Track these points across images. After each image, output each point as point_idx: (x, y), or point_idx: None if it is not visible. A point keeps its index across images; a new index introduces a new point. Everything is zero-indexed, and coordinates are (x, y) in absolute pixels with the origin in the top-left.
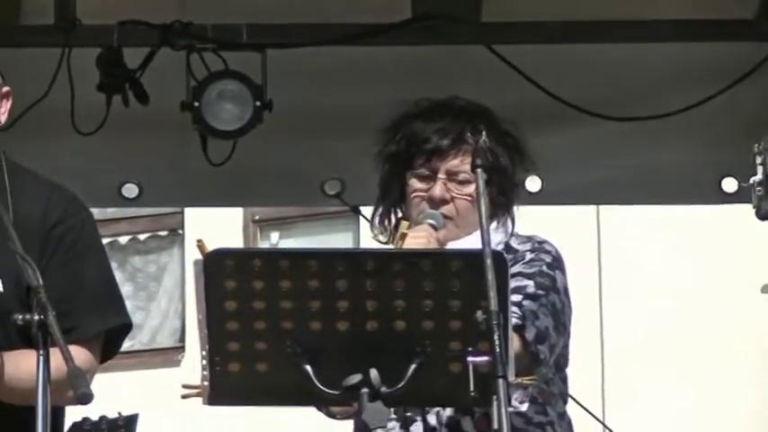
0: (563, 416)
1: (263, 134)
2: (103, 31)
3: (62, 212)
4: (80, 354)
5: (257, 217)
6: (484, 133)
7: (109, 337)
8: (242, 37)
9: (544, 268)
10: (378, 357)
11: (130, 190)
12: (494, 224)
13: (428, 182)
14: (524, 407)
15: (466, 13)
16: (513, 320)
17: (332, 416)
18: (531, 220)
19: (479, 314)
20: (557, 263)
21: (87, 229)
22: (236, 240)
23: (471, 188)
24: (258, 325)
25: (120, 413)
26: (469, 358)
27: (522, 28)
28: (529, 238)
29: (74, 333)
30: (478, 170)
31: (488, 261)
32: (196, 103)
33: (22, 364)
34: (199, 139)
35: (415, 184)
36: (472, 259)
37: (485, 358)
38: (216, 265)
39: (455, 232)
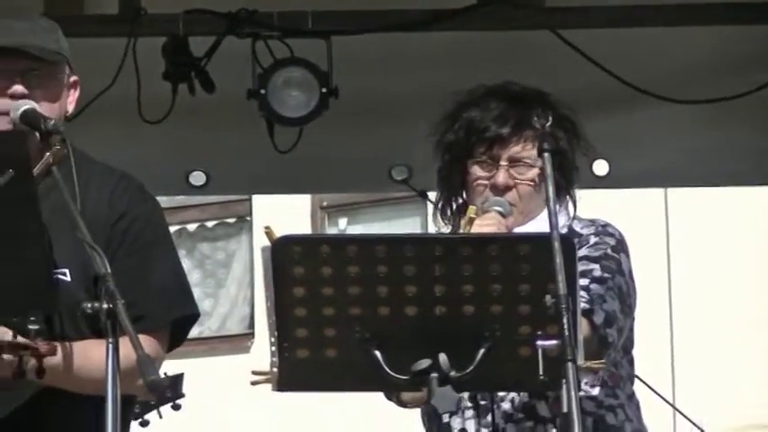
0: (631, 397)
1: (330, 121)
2: (169, 20)
3: (128, 203)
4: (147, 343)
5: (325, 203)
6: (550, 117)
7: (176, 327)
8: (307, 24)
9: (609, 251)
10: (446, 342)
11: (198, 178)
12: (557, 207)
13: (490, 169)
14: (595, 390)
15: None
16: (582, 305)
17: (402, 405)
18: (598, 203)
19: (548, 298)
20: (621, 245)
21: (154, 219)
22: (303, 227)
23: (533, 173)
24: (326, 311)
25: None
26: (538, 342)
27: (587, 12)
28: (592, 222)
29: (140, 323)
30: (546, 154)
31: (556, 245)
32: (262, 91)
33: (92, 353)
34: (265, 126)
35: (477, 171)
36: (540, 243)
37: (554, 342)
38: (284, 251)
39: (519, 218)
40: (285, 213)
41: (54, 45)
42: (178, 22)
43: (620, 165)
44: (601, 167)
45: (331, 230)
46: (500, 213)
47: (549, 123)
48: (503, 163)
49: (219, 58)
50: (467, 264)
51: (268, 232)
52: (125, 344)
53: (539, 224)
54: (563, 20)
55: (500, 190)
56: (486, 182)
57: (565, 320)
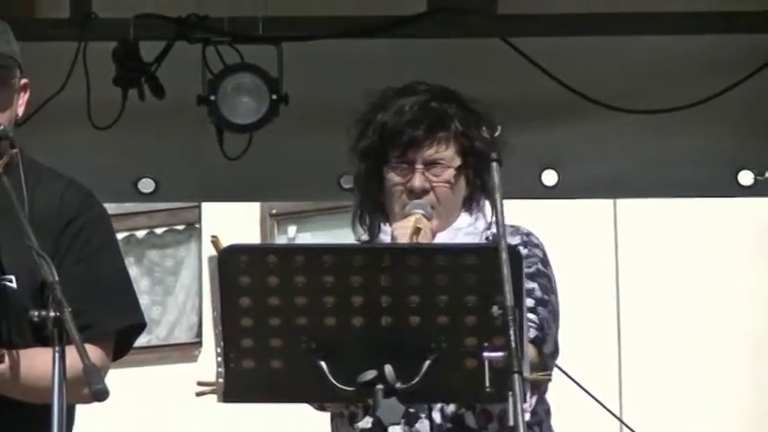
0: (548, 412)
1: (280, 128)
2: (119, 25)
3: (77, 209)
4: (93, 352)
5: (274, 211)
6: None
7: (122, 336)
8: (258, 30)
9: (540, 266)
10: (392, 353)
11: (147, 185)
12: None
13: (406, 173)
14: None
15: (482, 6)
16: (532, 331)
17: (321, 408)
18: (547, 213)
19: (495, 309)
20: (546, 256)
21: (102, 226)
22: (253, 234)
23: (449, 174)
24: (273, 321)
25: None
26: (485, 354)
27: (539, 20)
28: (515, 229)
29: (87, 331)
30: (494, 164)
31: (504, 255)
32: (212, 97)
33: (38, 361)
34: (215, 132)
35: (393, 177)
36: (487, 254)
37: (500, 354)
38: (230, 261)
39: (439, 222)
40: (234, 221)
41: (5, 48)
42: (128, 27)
43: (569, 174)
44: (550, 177)
45: (280, 238)
46: (423, 216)
47: (462, 126)
48: (418, 166)
49: (170, 63)
50: (414, 274)
51: (215, 241)
52: (71, 352)
53: (456, 230)
54: (514, 28)
55: (417, 194)
56: (402, 186)
57: (511, 332)
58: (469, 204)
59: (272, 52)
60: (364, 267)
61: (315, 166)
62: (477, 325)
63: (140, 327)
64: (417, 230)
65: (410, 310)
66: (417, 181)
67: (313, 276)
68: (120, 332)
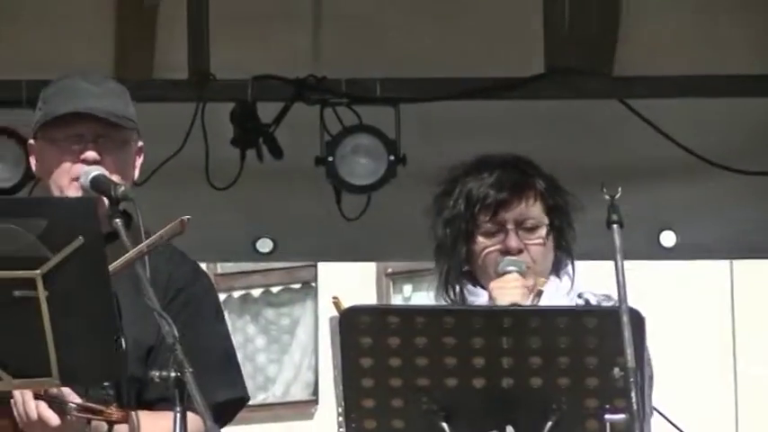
0: None
1: (397, 188)
2: (237, 86)
3: (185, 280)
4: (193, 422)
5: (390, 270)
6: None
7: (223, 409)
8: (376, 91)
9: None
10: (513, 414)
11: (265, 244)
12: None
13: (497, 236)
14: None
15: (598, 68)
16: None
17: None
18: (664, 274)
19: (616, 371)
20: None
21: (209, 297)
22: (369, 293)
23: (541, 233)
24: (394, 382)
25: None
26: (606, 416)
27: (655, 82)
28: (607, 297)
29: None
30: (615, 226)
31: (625, 318)
32: (330, 158)
33: (159, 423)
34: (333, 193)
35: (485, 241)
36: (608, 316)
37: (621, 416)
38: (352, 322)
39: (533, 280)
40: (350, 279)
41: (124, 111)
42: (247, 88)
43: (687, 235)
44: (668, 238)
45: (396, 297)
46: (518, 273)
47: (545, 185)
48: (509, 227)
49: (288, 124)
50: (535, 336)
51: (336, 302)
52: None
53: (555, 286)
54: (630, 89)
55: (513, 254)
56: (495, 249)
57: (633, 394)
58: (558, 267)
59: (390, 113)
60: (485, 329)
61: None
62: (599, 387)
63: (242, 401)
64: (539, 293)
65: (531, 372)
66: (513, 241)
67: (434, 337)
68: (222, 405)
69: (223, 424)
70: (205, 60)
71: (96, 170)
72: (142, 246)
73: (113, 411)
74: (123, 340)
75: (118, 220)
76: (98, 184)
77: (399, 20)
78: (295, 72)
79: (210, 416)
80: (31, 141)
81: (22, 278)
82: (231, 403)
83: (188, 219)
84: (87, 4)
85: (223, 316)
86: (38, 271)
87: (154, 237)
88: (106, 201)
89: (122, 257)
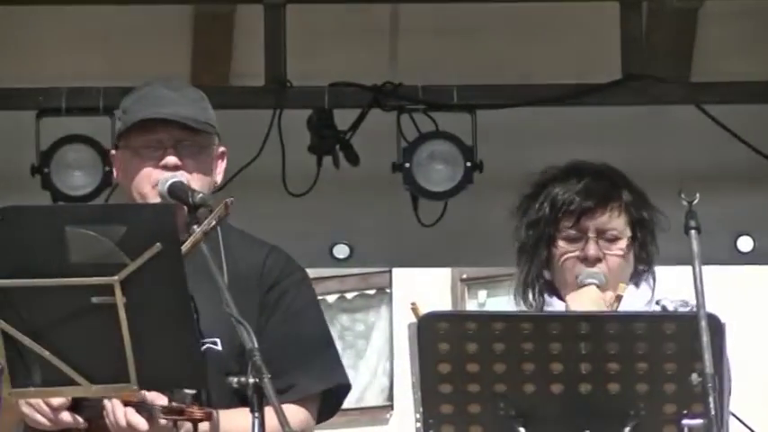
0: None
1: (474, 195)
2: (314, 93)
3: (278, 273)
4: (297, 413)
5: (465, 276)
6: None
7: (327, 397)
8: (452, 98)
9: None
10: (591, 420)
11: (341, 250)
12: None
13: (577, 242)
14: None
15: (675, 74)
16: None
17: None
18: (742, 279)
19: (694, 377)
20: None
21: (303, 289)
22: (444, 298)
23: (622, 244)
24: (472, 388)
25: None
26: (684, 421)
27: (732, 87)
28: (685, 303)
29: (291, 393)
30: (693, 232)
31: (703, 323)
32: (407, 164)
33: (239, 423)
34: (410, 199)
35: (565, 246)
36: (687, 321)
37: (700, 421)
38: (429, 328)
39: (610, 292)
40: (425, 285)
41: (204, 115)
42: (323, 95)
43: (764, 240)
44: (745, 243)
45: (471, 302)
46: (596, 286)
47: (695, 200)
48: (590, 235)
49: (364, 130)
50: (613, 342)
51: (414, 308)
52: (272, 416)
53: (632, 296)
54: (707, 95)
55: (591, 262)
56: (574, 255)
57: (711, 399)
58: (637, 278)
59: (467, 120)
60: (563, 335)
61: (508, 232)
62: (677, 392)
63: (346, 387)
64: (618, 298)
65: (609, 378)
66: (592, 249)
67: (512, 343)
68: (327, 393)
69: (330, 413)
70: (282, 67)
71: (174, 177)
72: (196, 234)
73: (195, 410)
74: (217, 343)
75: (195, 226)
76: (175, 191)
77: (476, 27)
78: (372, 79)
79: (315, 407)
80: (113, 152)
81: (100, 284)
82: (336, 390)
83: (231, 201)
84: (165, 13)
85: (319, 306)
86: (116, 277)
87: (203, 225)
88: (185, 207)
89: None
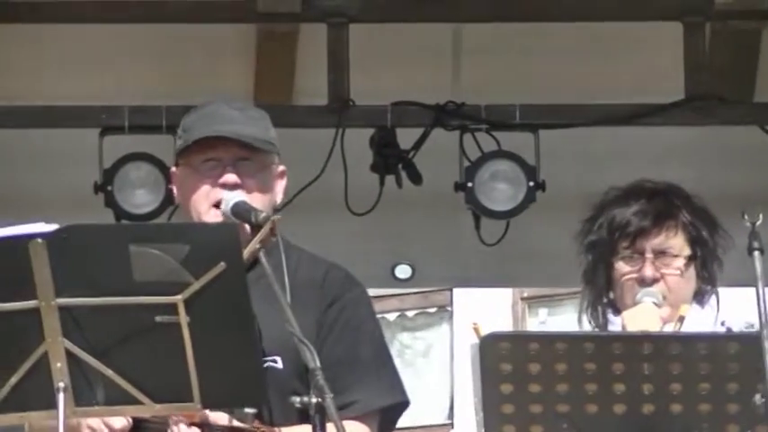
0: None
1: (536, 214)
2: (377, 112)
3: (338, 290)
4: (357, 429)
5: (525, 294)
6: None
7: (385, 414)
8: (515, 117)
9: None
10: None
11: (404, 271)
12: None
13: (635, 263)
14: None
15: (738, 94)
16: None
17: None
18: None
19: (758, 398)
20: None
21: (363, 305)
22: (505, 317)
23: (679, 263)
24: (534, 408)
25: None
26: None
27: None
28: (750, 325)
29: (351, 409)
30: (756, 252)
31: (766, 344)
32: (469, 184)
33: None
34: (472, 219)
35: (622, 267)
36: (750, 341)
37: None
38: (491, 348)
39: (669, 310)
40: (486, 303)
41: (264, 134)
42: (386, 114)
43: None
44: None
45: (531, 321)
46: (654, 304)
47: (758, 222)
48: (647, 255)
49: (427, 150)
50: (675, 362)
51: (476, 328)
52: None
53: (696, 319)
54: None
55: (648, 283)
56: (633, 276)
57: None
58: (700, 297)
59: (530, 139)
60: (625, 355)
61: (570, 252)
62: (740, 413)
63: (405, 404)
64: (681, 319)
65: (672, 398)
66: (648, 270)
67: (574, 364)
68: (385, 410)
69: (389, 429)
70: (345, 86)
71: (237, 197)
72: (245, 253)
73: (259, 427)
74: (278, 361)
75: (258, 246)
76: (238, 211)
77: (539, 46)
78: (434, 98)
79: (374, 423)
80: (173, 169)
81: (163, 303)
82: (394, 408)
83: (278, 218)
84: (228, 32)
85: (378, 323)
86: (179, 296)
87: (251, 245)
88: (247, 226)
89: None
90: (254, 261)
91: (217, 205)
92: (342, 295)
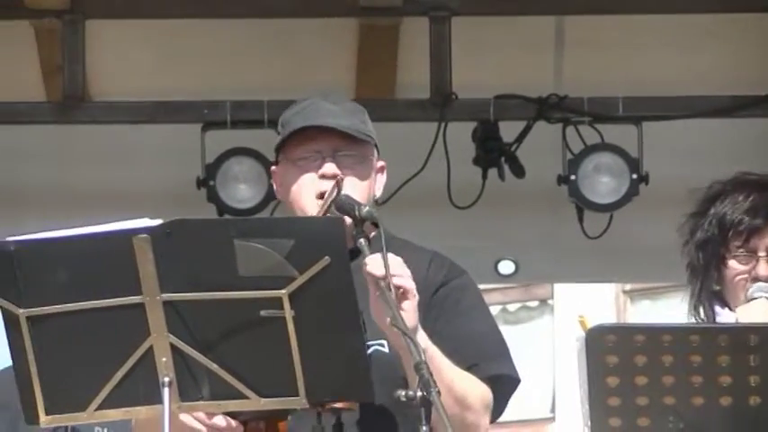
0: None
1: (639, 207)
2: (479, 105)
3: (444, 276)
4: (481, 385)
5: (628, 287)
6: None
7: (500, 388)
8: (618, 110)
9: None
10: None
11: (507, 266)
12: None
13: (748, 262)
14: None
15: None
16: None
17: None
18: None
19: None
20: None
21: (470, 290)
22: (607, 310)
23: None
24: (640, 401)
25: None
26: None
27: None
28: None
29: (472, 370)
30: None
31: None
32: (572, 177)
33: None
34: (575, 212)
35: (735, 266)
36: None
37: None
38: (598, 340)
39: None
40: (587, 296)
41: (362, 127)
42: (489, 107)
43: None
44: None
45: (633, 314)
46: (766, 299)
47: None
48: (761, 254)
49: (529, 143)
50: None
51: (582, 321)
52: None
53: None
54: None
55: (762, 281)
56: (746, 275)
57: None
58: None
59: (632, 132)
60: (731, 347)
61: (673, 245)
62: None
63: (516, 381)
64: None
65: None
66: (763, 269)
67: (681, 356)
68: (499, 382)
69: (500, 406)
70: (447, 80)
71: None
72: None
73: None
74: (384, 345)
75: (362, 240)
76: (341, 204)
77: (641, 38)
78: (536, 91)
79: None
80: (273, 168)
81: (268, 297)
82: (506, 379)
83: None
84: (330, 26)
85: (486, 307)
86: (284, 290)
87: (324, 203)
88: (349, 220)
89: None
90: (357, 251)
91: (320, 197)
92: (448, 281)
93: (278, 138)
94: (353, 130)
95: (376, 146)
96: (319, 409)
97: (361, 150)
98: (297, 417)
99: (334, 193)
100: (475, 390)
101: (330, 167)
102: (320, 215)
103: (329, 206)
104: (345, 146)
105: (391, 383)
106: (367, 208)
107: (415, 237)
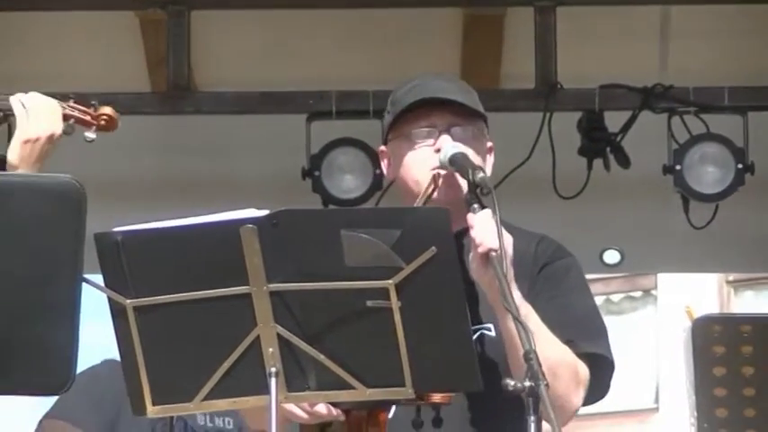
0: None
1: (745, 197)
2: (584, 95)
3: (550, 255)
4: (577, 361)
5: (731, 277)
6: None
7: (592, 360)
8: (724, 100)
9: None
10: None
11: (612, 256)
12: None
13: None
14: None
15: None
16: None
17: None
18: None
19: None
20: None
21: (573, 271)
22: (710, 300)
23: None
24: (747, 391)
25: None
26: None
27: None
28: None
29: (569, 346)
30: None
31: None
32: (678, 167)
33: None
34: (680, 202)
35: None
36: None
37: None
38: (704, 330)
39: None
40: (691, 287)
41: (478, 107)
42: (594, 97)
43: None
44: None
45: (737, 304)
46: None
47: None
48: None
49: (634, 133)
50: None
51: (688, 311)
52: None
53: None
54: None
55: None
56: None
57: None
58: None
59: (738, 122)
60: None
61: None
62: None
63: (613, 366)
64: None
65: None
66: None
67: None
68: (592, 361)
69: (599, 389)
70: (552, 69)
71: (457, 147)
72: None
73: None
74: (491, 329)
75: (476, 205)
76: (456, 161)
77: (748, 28)
78: (642, 80)
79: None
80: (382, 148)
81: (374, 288)
82: (601, 359)
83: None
84: (435, 15)
85: (589, 289)
86: (391, 281)
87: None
88: (463, 182)
89: None
90: (465, 229)
91: (434, 169)
92: (554, 260)
93: (387, 117)
94: (470, 104)
95: (487, 125)
96: (419, 403)
97: (474, 125)
98: (396, 410)
99: (431, 188)
100: (566, 360)
101: (446, 137)
102: (419, 205)
103: (428, 197)
104: (461, 121)
105: (499, 368)
106: (482, 174)
107: (520, 225)
